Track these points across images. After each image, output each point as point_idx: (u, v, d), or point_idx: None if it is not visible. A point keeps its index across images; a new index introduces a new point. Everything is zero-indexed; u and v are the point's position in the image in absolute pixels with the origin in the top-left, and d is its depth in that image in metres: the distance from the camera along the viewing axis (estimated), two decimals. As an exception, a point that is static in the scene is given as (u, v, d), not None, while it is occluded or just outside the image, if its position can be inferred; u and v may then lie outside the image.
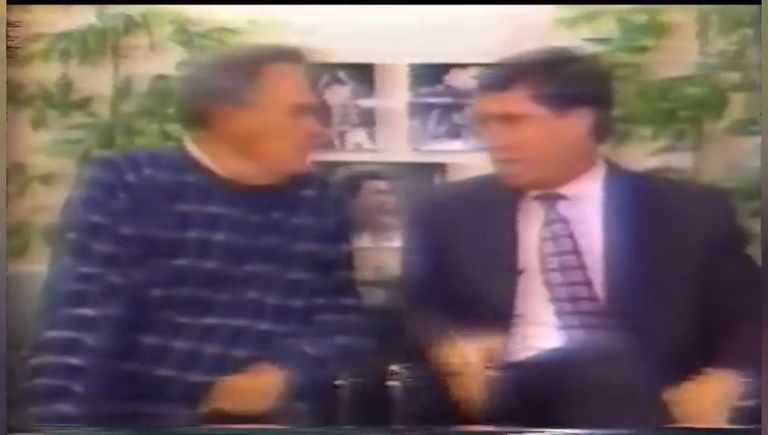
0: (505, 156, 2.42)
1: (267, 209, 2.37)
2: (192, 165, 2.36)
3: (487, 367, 2.21)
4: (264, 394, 2.26)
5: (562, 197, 2.44)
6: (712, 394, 2.19)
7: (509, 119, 2.39)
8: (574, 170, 2.45)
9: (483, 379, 2.21)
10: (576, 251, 2.40)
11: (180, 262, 2.29)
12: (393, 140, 3.23)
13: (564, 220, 2.43)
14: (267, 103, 2.33)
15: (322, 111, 2.40)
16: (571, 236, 2.41)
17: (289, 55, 2.37)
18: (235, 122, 2.32)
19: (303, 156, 2.38)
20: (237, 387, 2.26)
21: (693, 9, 3.15)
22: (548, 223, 2.43)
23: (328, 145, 3.13)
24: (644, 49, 3.18)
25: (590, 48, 3.02)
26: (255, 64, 2.34)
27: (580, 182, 2.45)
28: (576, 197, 2.44)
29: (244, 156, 2.34)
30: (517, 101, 2.39)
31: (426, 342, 2.31)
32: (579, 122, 2.42)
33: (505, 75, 2.42)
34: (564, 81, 2.42)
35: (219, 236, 2.32)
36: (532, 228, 2.44)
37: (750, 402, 2.15)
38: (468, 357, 2.23)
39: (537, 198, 2.45)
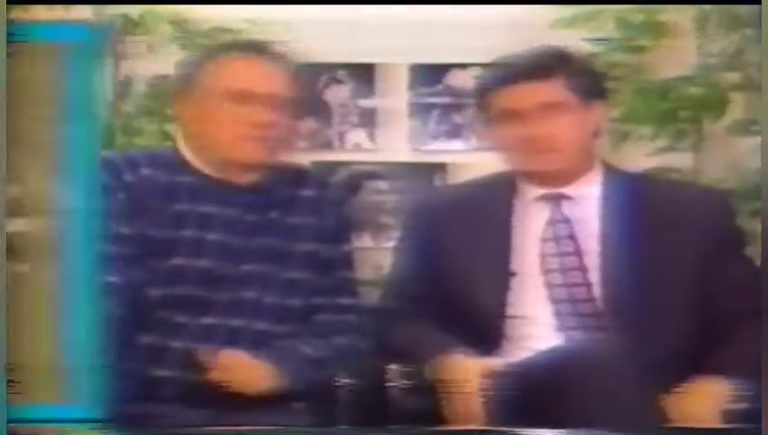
0: (533, 146, 2.39)
1: (265, 209, 2.37)
2: (183, 164, 2.36)
3: (484, 385, 2.20)
4: (259, 373, 2.25)
5: (567, 197, 2.43)
6: (710, 396, 2.20)
7: (546, 108, 2.37)
8: (579, 169, 2.44)
9: (480, 396, 2.20)
10: (577, 252, 2.39)
11: (178, 262, 2.29)
12: (393, 140, 3.23)
13: (567, 221, 2.42)
14: (206, 88, 2.33)
15: (296, 106, 2.36)
16: (572, 237, 2.40)
17: (246, 47, 2.39)
18: (184, 110, 2.36)
19: (253, 146, 2.33)
20: (233, 359, 2.25)
21: (691, 9, 3.16)
22: (552, 223, 2.42)
23: (328, 145, 3.14)
24: (642, 49, 3.18)
25: (589, 48, 3.03)
26: (210, 55, 2.37)
27: (582, 182, 2.44)
28: (579, 197, 2.43)
29: (197, 145, 2.36)
30: (557, 89, 2.38)
31: (424, 350, 2.31)
32: (598, 115, 2.43)
33: (544, 65, 2.39)
34: (595, 72, 2.45)
35: (217, 236, 2.32)
36: (532, 229, 2.43)
37: (749, 404, 2.15)
38: (466, 374, 2.22)
39: (541, 198, 2.44)
